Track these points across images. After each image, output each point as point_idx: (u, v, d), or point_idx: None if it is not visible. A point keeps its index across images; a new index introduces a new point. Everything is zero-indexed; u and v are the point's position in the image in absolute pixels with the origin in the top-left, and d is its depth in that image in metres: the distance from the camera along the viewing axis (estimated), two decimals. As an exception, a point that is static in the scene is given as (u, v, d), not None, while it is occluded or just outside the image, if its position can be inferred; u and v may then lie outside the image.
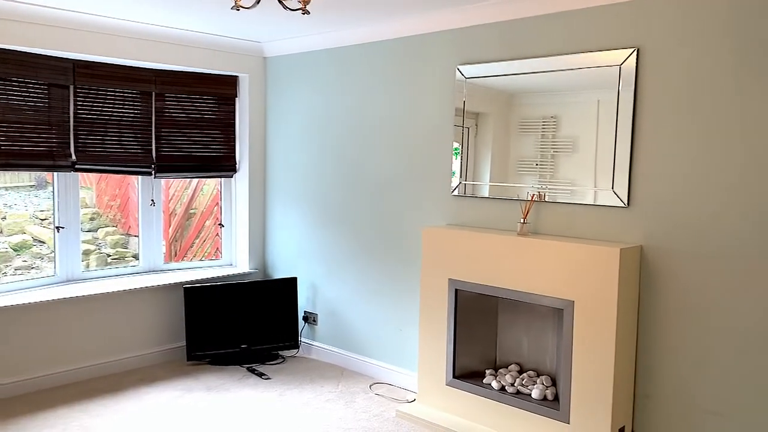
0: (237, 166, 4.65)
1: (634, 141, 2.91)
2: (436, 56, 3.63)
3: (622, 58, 2.90)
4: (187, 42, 4.19)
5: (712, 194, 2.70)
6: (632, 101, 2.88)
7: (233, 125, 4.61)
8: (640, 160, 2.90)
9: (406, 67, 3.78)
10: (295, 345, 4.41)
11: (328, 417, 3.44)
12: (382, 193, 3.96)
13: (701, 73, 2.71)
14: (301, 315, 4.48)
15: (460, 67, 3.50)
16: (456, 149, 3.60)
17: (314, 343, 4.44)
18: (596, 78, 3.00)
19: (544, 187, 3.22)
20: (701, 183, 2.73)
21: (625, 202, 2.93)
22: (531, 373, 3.30)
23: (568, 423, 2.93)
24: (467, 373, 3.43)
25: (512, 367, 3.39)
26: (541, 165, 3.24)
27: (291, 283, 4.40)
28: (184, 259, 4.71)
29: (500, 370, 3.38)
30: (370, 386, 3.91)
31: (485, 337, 3.49)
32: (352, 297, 4.17)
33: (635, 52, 2.86)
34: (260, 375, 4.05)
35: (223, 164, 4.60)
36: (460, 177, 3.57)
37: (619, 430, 2.86)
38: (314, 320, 4.43)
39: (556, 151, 3.18)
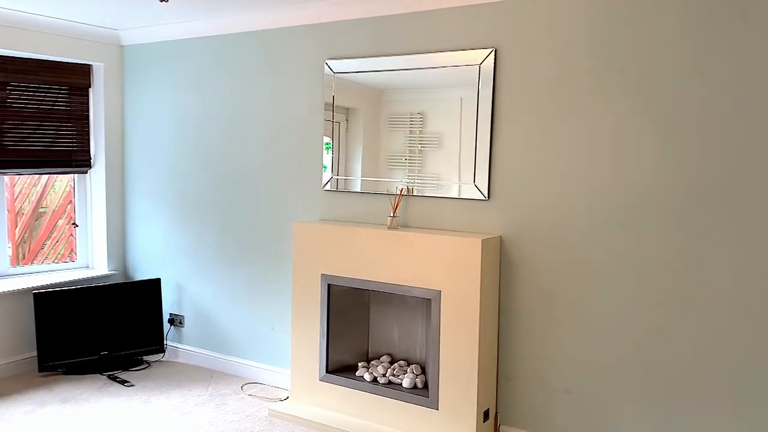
0: (92, 161, 4.35)
1: (493, 137, 3.06)
2: (305, 50, 3.61)
3: (481, 57, 3.04)
4: (35, 27, 3.84)
5: (562, 187, 2.91)
6: (491, 100, 3.03)
7: (87, 118, 4.30)
8: (499, 156, 3.06)
9: (274, 60, 3.73)
10: (161, 349, 4.21)
11: (197, 421, 3.32)
12: (251, 188, 3.88)
13: (554, 73, 2.90)
14: (166, 317, 4.28)
15: (329, 62, 3.50)
16: (327, 144, 3.60)
17: (181, 346, 4.26)
18: (458, 76, 3.13)
19: (412, 181, 3.31)
20: (552, 177, 2.93)
21: (486, 195, 3.09)
22: (402, 363, 3.38)
23: (437, 409, 3.04)
24: (340, 367, 3.45)
25: (384, 358, 3.45)
26: (409, 160, 3.32)
27: (154, 285, 4.19)
28: (34, 262, 4.33)
29: (372, 362, 3.44)
30: (241, 387, 3.82)
31: (358, 331, 3.53)
32: (221, 296, 4.05)
33: (493, 53, 3.01)
34: (122, 382, 3.82)
35: (76, 159, 4.29)
36: (332, 172, 3.58)
37: (484, 412, 3.01)
38: (181, 322, 4.25)
39: (424, 147, 3.28)
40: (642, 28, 2.69)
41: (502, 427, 3.12)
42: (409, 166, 3.32)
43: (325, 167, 3.60)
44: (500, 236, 3.07)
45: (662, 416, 2.73)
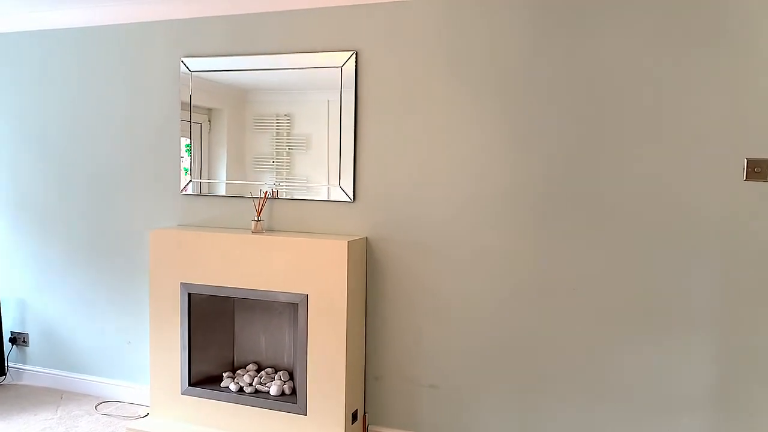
0: None
1: (357, 140, 3.07)
2: (160, 46, 3.43)
3: (342, 60, 3.05)
4: None
5: (422, 189, 2.98)
6: (353, 102, 3.05)
7: None
8: (363, 158, 3.08)
9: (127, 57, 3.50)
10: (1, 371, 3.81)
11: (43, 448, 3.03)
12: (102, 193, 3.62)
13: (414, 76, 2.96)
14: (6, 337, 3.89)
15: (185, 60, 3.35)
16: (187, 146, 3.44)
17: (25, 367, 3.89)
18: (322, 78, 3.11)
19: (280, 184, 3.24)
20: (412, 179, 2.99)
21: (351, 197, 3.09)
22: (269, 370, 3.30)
23: (305, 414, 2.99)
24: (204, 378, 3.30)
25: (250, 366, 3.35)
26: (277, 162, 3.25)
27: (-7, 301, 3.79)
28: None
29: (238, 372, 3.32)
30: (95, 407, 3.54)
31: (222, 340, 3.40)
32: (71, 311, 3.74)
33: (354, 55, 3.03)
34: (-46, 412, 3.42)
35: None
36: (192, 175, 3.42)
37: (353, 414, 3.01)
38: (24, 341, 3.87)
39: (292, 149, 3.22)
40: (492, 33, 2.82)
41: (370, 427, 3.14)
42: (276, 168, 3.26)
43: (186, 170, 3.44)
44: (366, 237, 3.08)
45: (522, 408, 2.87)
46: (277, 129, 3.25)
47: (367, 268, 3.10)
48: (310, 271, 2.95)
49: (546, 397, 2.82)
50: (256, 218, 3.17)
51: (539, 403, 2.84)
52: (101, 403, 3.60)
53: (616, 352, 2.71)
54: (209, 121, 3.41)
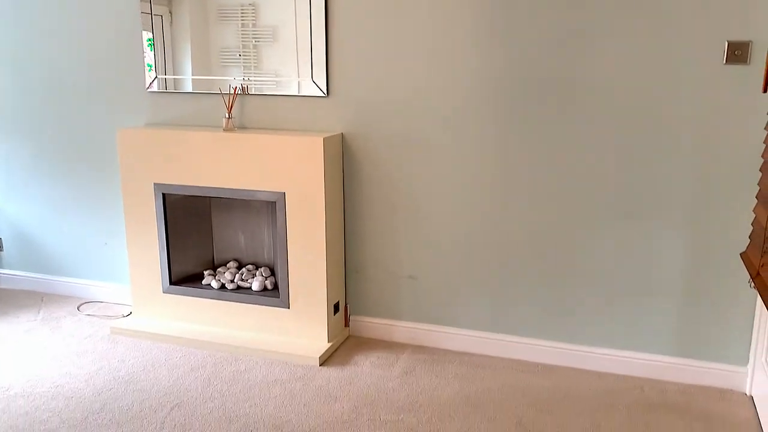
0: None
1: (328, 30, 2.94)
2: (112, -70, 3.16)
3: (312, -58, 2.86)
4: None
5: (397, 82, 2.90)
6: (325, -11, 2.89)
7: None
8: (335, 50, 2.96)
9: (75, -58, 3.24)
10: (-22, 276, 3.80)
11: (30, 349, 3.08)
12: (66, 94, 3.46)
13: (386, -39, 2.80)
14: (-20, 241, 3.84)
15: (141, -55, 3.11)
16: (149, 40, 3.26)
17: (1, 271, 3.87)
18: (289, -37, 2.92)
19: (248, 78, 3.12)
20: (388, 72, 2.90)
21: (325, 91, 3.00)
22: (250, 267, 3.34)
23: (288, 308, 3.06)
24: (185, 277, 3.33)
25: (231, 264, 3.38)
26: (244, 56, 3.12)
27: (-40, 206, 3.71)
28: None
29: (219, 269, 3.36)
30: (78, 308, 3.58)
31: (201, 239, 3.40)
32: (45, 214, 3.68)
33: (324, -63, 2.84)
34: (-66, 317, 3.43)
35: None
36: (156, 71, 3.28)
37: (334, 305, 3.09)
38: (-2, 245, 3.84)
39: (258, 41, 3.08)
40: None
41: (352, 318, 3.24)
42: (243, 62, 3.12)
43: (150, 66, 3.29)
44: (341, 133, 3.03)
45: (497, 294, 2.98)
46: (242, 20, 3.09)
47: (344, 164, 3.07)
48: (286, 169, 2.92)
49: (520, 283, 2.93)
50: (226, 115, 3.08)
51: (513, 289, 2.94)
52: (83, 303, 3.64)
53: (589, 239, 2.79)
54: (170, 12, 3.22)
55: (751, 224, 2.43)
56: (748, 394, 2.68)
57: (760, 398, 2.52)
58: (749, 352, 2.67)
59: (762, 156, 2.35)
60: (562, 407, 2.57)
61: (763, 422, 2.43)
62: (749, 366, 2.67)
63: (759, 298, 2.60)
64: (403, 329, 3.15)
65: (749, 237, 2.39)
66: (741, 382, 2.70)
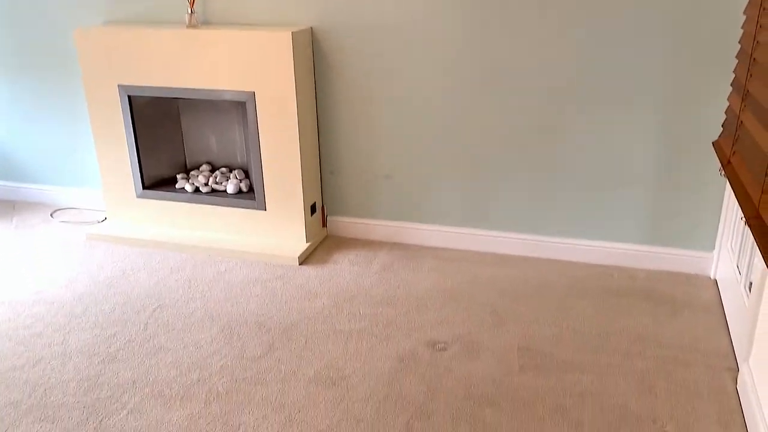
0: None
1: None
2: None
3: None
4: None
5: (371, -31, 2.76)
6: None
7: None
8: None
9: None
10: (-56, 186, 3.71)
11: (7, 257, 3.07)
12: (13, -11, 3.25)
13: None
14: (-58, 151, 3.72)
15: None
16: (99, -71, 3.03)
17: (-31, 180, 3.79)
18: None
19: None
20: (360, -42, 2.76)
21: (292, -18, 2.86)
22: (223, 170, 3.30)
23: (265, 210, 3.06)
24: (158, 182, 3.29)
25: (203, 167, 3.33)
26: (201, -55, 2.93)
27: None
28: None
29: (192, 173, 3.31)
30: (51, 215, 3.54)
31: (171, 142, 3.33)
32: (9, 120, 3.55)
33: None
34: None
35: None
36: (110, -37, 3.07)
37: (311, 206, 3.09)
38: (-38, 154, 3.73)
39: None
40: None
41: (329, 218, 3.26)
42: (202, -48, 2.93)
43: (102, -42, 3.07)
44: (311, 27, 2.91)
45: (472, 188, 2.99)
46: None
47: (315, 60, 2.97)
48: (255, 67, 2.81)
49: (493, 178, 2.94)
50: (189, 11, 2.93)
51: (487, 184, 2.96)
52: (56, 211, 3.60)
53: (562, 133, 2.78)
54: None
55: (725, 112, 2.43)
56: (712, 277, 2.79)
57: (723, 281, 2.63)
58: (716, 238, 2.76)
59: (741, 34, 2.31)
60: (535, 296, 2.66)
61: (724, 303, 2.55)
62: (715, 251, 2.77)
63: (728, 186, 2.66)
64: (379, 227, 3.19)
65: (722, 125, 2.40)
66: (707, 267, 2.81)
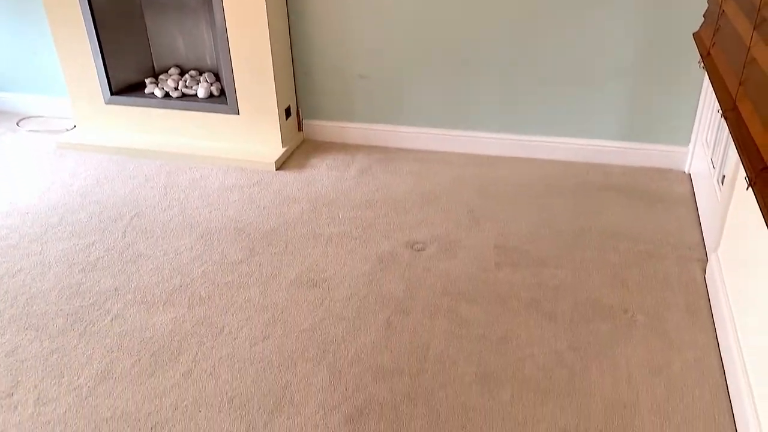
0: None
1: None
2: None
3: None
4: None
5: None
6: None
7: None
8: None
9: None
10: None
11: (-26, 169, 3.00)
12: None
13: None
14: None
15: None
16: None
17: (-73, 89, 3.63)
18: None
19: None
20: None
21: None
22: (193, 73, 3.18)
23: (239, 114, 2.99)
24: (126, 87, 3.17)
25: (172, 71, 3.21)
26: None
27: None
28: None
29: (161, 77, 3.20)
30: (17, 123, 3.43)
31: (137, 45, 3.18)
32: (-42, 24, 3.37)
33: None
34: None
35: None
36: None
37: (285, 110, 3.02)
38: None
39: None
40: None
41: (305, 122, 3.20)
42: None
43: None
44: None
45: (448, 89, 2.93)
46: None
47: (283, -48, 2.81)
48: (220, -40, 2.65)
49: (471, 78, 2.88)
50: None
51: (464, 84, 2.90)
52: (22, 119, 3.48)
53: (539, 28, 2.70)
54: None
55: (707, 1, 2.37)
56: (686, 172, 2.82)
57: (697, 175, 2.66)
58: (691, 132, 2.77)
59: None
60: (512, 195, 2.68)
61: (697, 197, 2.60)
62: (690, 145, 2.78)
63: (706, 79, 2.63)
64: (357, 130, 3.14)
65: (703, 15, 2.34)
66: (681, 162, 2.83)
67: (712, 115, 2.54)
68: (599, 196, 2.66)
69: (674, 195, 2.65)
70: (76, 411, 1.67)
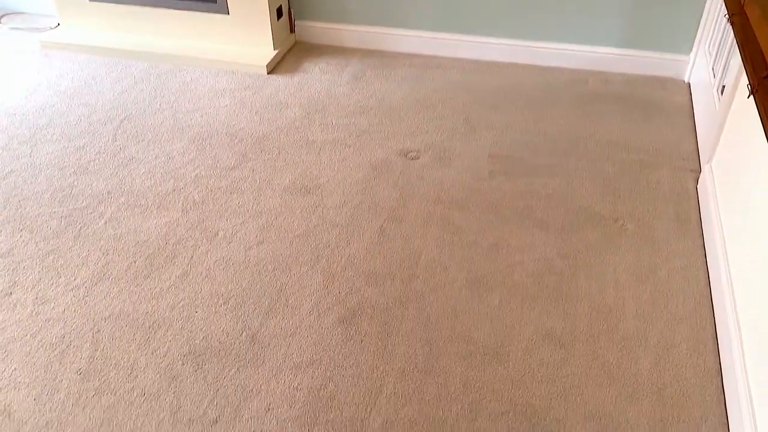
0: None
1: None
2: None
3: None
4: None
5: None
6: None
7: None
8: None
9: None
10: None
11: (-44, 68, 2.91)
12: None
13: None
14: None
15: None
16: None
17: None
18: None
19: None
20: None
21: None
22: (180, -32, 3.03)
23: (228, 13, 2.87)
24: (110, -18, 3.03)
25: (158, -34, 3.06)
26: None
27: None
28: None
29: None
30: (-2, 21, 3.30)
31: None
32: None
33: None
34: None
35: None
36: None
37: (277, 10, 2.91)
38: None
39: None
40: None
41: (298, 23, 3.08)
42: None
43: None
44: None
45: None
46: None
47: None
48: None
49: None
50: None
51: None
52: (3, 15, 3.35)
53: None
54: None
55: None
56: (687, 81, 2.77)
57: (697, 85, 2.62)
58: (694, 40, 2.70)
59: None
60: (509, 102, 2.64)
61: (695, 107, 2.56)
62: (692, 54, 2.72)
63: (715, -16, 2.54)
64: (352, 33, 3.04)
65: None
66: (682, 71, 2.78)
67: (716, 22, 2.47)
68: (597, 104, 2.62)
69: (673, 105, 2.62)
70: (75, 310, 1.71)
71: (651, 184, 2.17)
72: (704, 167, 2.11)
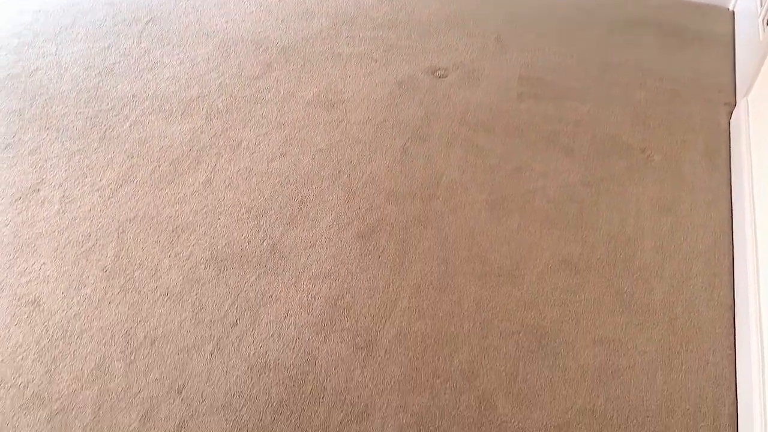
0: None
1: None
2: None
3: None
4: None
5: None
6: None
7: None
8: None
9: None
10: None
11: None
12: None
13: None
14: None
15: None
16: None
17: None
18: None
19: None
20: None
21: None
22: None
23: None
24: None
25: None
26: None
27: None
28: None
29: None
30: None
31: None
32: None
33: None
34: None
35: None
36: None
37: None
38: None
39: None
40: None
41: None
42: None
43: None
44: None
45: None
46: None
47: None
48: None
49: None
50: None
51: None
52: None
53: None
54: None
55: None
56: (731, 9, 2.65)
57: (741, 13, 2.50)
58: (745, -35, 2.55)
59: None
60: (542, 23, 2.55)
61: (737, 37, 2.46)
62: (741, -19, 2.59)
63: None
64: (383, -60, 2.91)
65: None
66: (727, -2, 2.65)
67: (772, -55, 2.32)
68: (634, 29, 2.52)
69: (713, 34, 2.51)
70: (101, 210, 1.75)
71: (683, 115, 2.12)
72: (740, 101, 2.05)
